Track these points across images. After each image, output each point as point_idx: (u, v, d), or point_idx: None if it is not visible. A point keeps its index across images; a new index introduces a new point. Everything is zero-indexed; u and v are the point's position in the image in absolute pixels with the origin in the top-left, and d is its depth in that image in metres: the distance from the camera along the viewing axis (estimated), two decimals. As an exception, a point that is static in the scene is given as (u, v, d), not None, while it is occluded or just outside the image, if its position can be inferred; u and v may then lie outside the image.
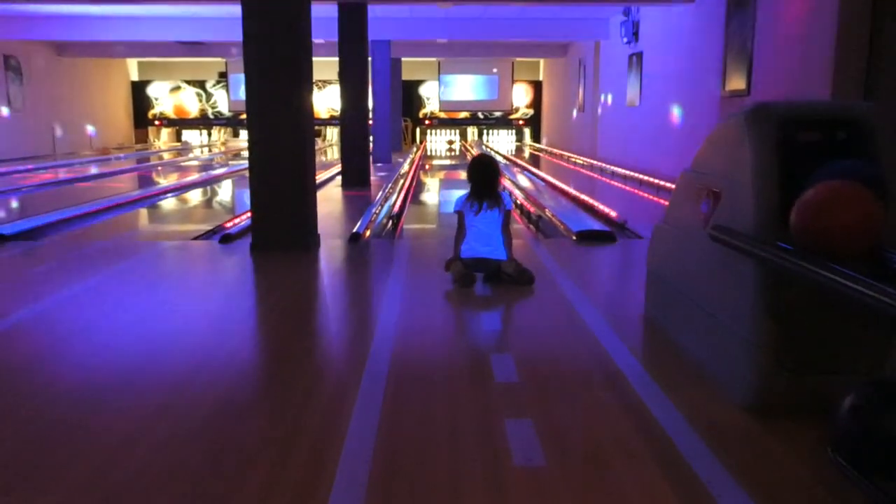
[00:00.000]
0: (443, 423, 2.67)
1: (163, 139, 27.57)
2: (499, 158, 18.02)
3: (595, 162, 15.69)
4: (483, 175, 4.81)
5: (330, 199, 9.92)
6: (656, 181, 10.86)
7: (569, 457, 2.40)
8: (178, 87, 27.38)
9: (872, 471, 2.15)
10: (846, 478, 2.20)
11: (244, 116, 6.57)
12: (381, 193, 10.09)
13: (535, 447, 2.45)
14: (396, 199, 9.47)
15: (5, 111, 18.21)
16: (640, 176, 11.97)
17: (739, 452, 2.42)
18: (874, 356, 2.61)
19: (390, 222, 7.79)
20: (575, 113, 20.75)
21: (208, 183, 13.28)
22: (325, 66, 18.07)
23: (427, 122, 27.96)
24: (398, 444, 2.49)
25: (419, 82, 27.44)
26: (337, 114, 17.95)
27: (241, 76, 6.84)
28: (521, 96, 27.65)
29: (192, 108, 27.62)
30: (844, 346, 2.63)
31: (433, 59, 25.60)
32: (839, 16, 7.08)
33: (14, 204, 10.24)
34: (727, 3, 9.87)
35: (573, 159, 17.72)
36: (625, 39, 14.78)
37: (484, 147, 22.92)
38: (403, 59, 21.93)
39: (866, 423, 2.18)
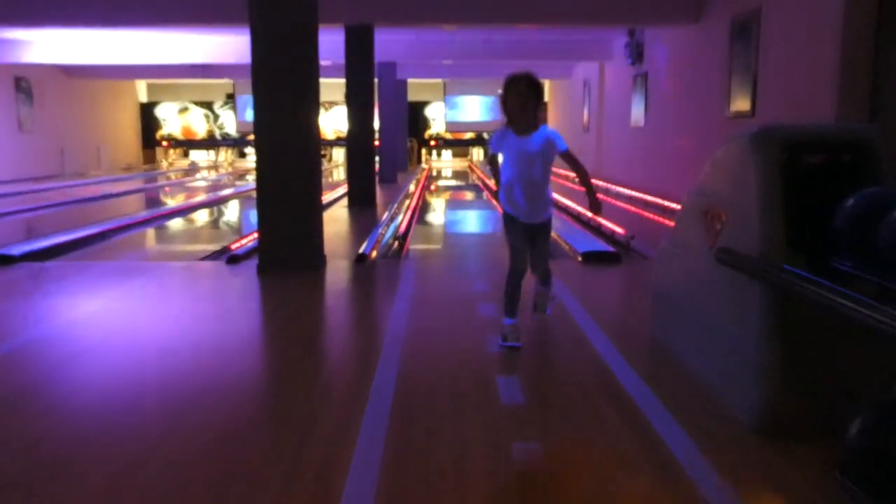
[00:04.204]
0: (449, 445, 2.66)
1: (171, 159, 27.75)
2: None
3: (600, 182, 15.71)
4: (527, 103, 3.77)
5: (336, 220, 9.95)
6: (661, 202, 10.87)
7: (576, 479, 2.39)
8: (185, 109, 27.61)
9: (880, 493, 2.14)
10: (854, 500, 2.19)
11: (251, 137, 6.62)
12: (387, 214, 10.13)
13: (542, 471, 2.45)
14: (402, 220, 9.50)
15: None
16: (645, 196, 11.99)
17: (746, 474, 2.41)
18: (881, 379, 2.60)
19: (396, 242, 7.81)
20: (580, 133, 20.81)
21: (215, 203, 13.35)
22: (332, 88, 18.21)
23: (433, 142, 28.10)
24: (404, 467, 2.49)
25: (425, 103, 27.61)
26: (343, 135, 18.04)
27: (249, 97, 6.90)
28: (526, 117, 27.73)
29: (200, 129, 27.83)
30: (851, 369, 2.63)
31: (439, 80, 25.77)
32: (843, 36, 7.11)
33: (23, 224, 10.30)
34: (731, 24, 9.93)
35: (577, 179, 17.73)
36: (629, 61, 14.86)
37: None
38: (409, 80, 22.08)
39: (874, 446, 2.18)
